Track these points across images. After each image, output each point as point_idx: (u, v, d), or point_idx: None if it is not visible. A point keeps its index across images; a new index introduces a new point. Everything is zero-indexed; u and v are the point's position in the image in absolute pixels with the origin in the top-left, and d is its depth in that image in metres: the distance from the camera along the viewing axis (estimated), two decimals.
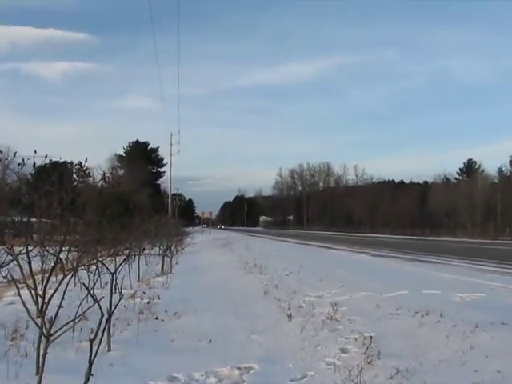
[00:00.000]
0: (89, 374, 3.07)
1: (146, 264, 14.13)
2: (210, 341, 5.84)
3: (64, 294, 3.64)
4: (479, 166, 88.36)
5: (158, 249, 15.62)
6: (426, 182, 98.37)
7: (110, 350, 5.19)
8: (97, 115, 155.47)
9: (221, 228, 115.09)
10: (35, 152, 3.81)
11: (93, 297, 3.96)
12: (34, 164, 3.74)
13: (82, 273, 8.12)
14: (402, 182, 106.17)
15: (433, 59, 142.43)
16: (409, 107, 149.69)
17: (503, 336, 4.82)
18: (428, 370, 4.25)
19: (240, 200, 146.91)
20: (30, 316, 3.34)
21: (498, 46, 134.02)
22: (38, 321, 3.17)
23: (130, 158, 73.07)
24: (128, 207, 18.43)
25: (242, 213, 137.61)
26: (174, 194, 61.23)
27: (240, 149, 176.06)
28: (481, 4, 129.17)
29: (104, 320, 3.79)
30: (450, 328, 5.31)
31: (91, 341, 3.22)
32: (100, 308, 4.00)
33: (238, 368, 4.75)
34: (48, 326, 3.16)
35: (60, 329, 3.26)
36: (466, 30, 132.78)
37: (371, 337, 5.14)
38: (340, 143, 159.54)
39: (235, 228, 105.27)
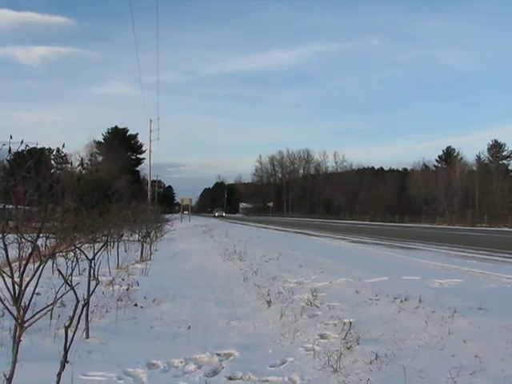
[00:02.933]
0: (64, 361, 3.02)
1: (126, 251, 14.06)
2: (189, 327, 5.82)
3: (38, 280, 3.56)
4: (458, 153, 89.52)
5: (137, 235, 15.54)
6: (405, 170, 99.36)
7: (88, 337, 5.13)
8: (76, 101, 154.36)
9: (221, 216, 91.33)
10: (11, 137, 3.71)
11: (68, 283, 3.91)
12: (10, 150, 3.65)
13: (61, 260, 8.05)
14: (381, 169, 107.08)
15: (415, 48, 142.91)
16: (390, 95, 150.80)
17: (481, 321, 4.86)
18: (407, 355, 4.28)
19: (220, 187, 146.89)
20: (3, 303, 3.27)
21: (479, 35, 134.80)
22: (14, 309, 3.11)
23: (108, 145, 72.52)
24: (107, 194, 18.29)
25: (221, 200, 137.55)
26: (153, 181, 60.86)
27: (220, 135, 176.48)
28: None
29: (80, 306, 3.74)
30: (429, 313, 5.35)
31: (66, 328, 3.17)
32: (75, 294, 3.95)
33: (218, 354, 4.73)
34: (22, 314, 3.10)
35: (34, 315, 3.19)
36: (449, 19, 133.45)
37: (350, 322, 5.15)
38: (320, 130, 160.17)
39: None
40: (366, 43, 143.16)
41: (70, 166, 67.30)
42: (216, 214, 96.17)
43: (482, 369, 3.80)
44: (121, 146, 71.98)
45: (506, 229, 38.02)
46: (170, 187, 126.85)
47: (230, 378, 4.18)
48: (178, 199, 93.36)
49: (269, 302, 6.71)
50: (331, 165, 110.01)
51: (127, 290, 7.71)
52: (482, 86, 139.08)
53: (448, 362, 4.00)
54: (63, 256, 7.85)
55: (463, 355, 4.09)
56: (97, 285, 5.19)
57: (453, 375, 3.72)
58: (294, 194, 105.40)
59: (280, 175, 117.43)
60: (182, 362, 4.53)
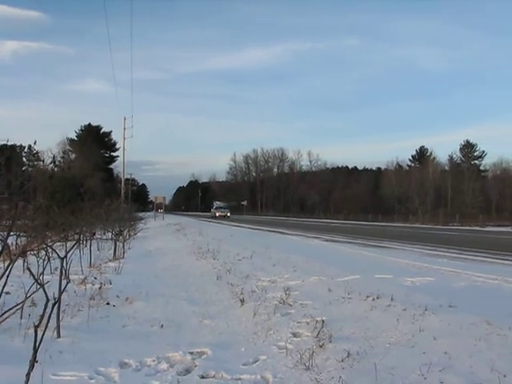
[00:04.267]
0: (34, 361, 2.99)
1: (98, 249, 13.92)
2: (162, 326, 5.80)
3: (7, 279, 3.52)
4: (431, 153, 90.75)
5: (110, 234, 15.42)
6: (379, 169, 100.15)
7: (59, 336, 5.07)
8: (48, 97, 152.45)
9: (224, 216, 66.92)
10: None
11: (37, 282, 3.87)
12: None
13: (33, 259, 7.96)
14: (355, 169, 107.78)
15: (391, 48, 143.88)
16: (366, 95, 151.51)
17: (451, 318, 4.93)
18: (378, 352, 4.32)
19: (194, 185, 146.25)
20: None
21: (454, 36, 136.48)
22: None
23: (82, 142, 71.75)
24: (79, 192, 18.13)
25: (196, 198, 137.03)
26: (127, 179, 60.35)
27: (195, 134, 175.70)
28: None
29: (50, 305, 3.71)
30: (401, 311, 5.41)
31: (36, 327, 3.14)
32: (45, 293, 3.91)
33: (191, 353, 4.72)
34: None
35: (3, 315, 3.16)
36: (423, 20, 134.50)
37: (323, 321, 5.19)
38: (295, 129, 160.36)
39: (189, 213, 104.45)
40: (342, 42, 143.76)
41: (41, 163, 66.50)
42: (217, 214, 68.60)
43: (451, 365, 3.85)
44: (94, 143, 71.23)
45: (477, 228, 38.58)
46: (143, 185, 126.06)
47: (203, 377, 4.18)
48: (151, 197, 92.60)
49: (242, 301, 6.71)
50: (305, 164, 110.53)
51: (100, 288, 7.64)
52: (456, 87, 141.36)
53: (418, 358, 4.05)
54: (34, 254, 7.76)
55: (433, 352, 4.14)
56: (67, 283, 5.14)
57: (423, 372, 3.77)
58: (268, 193, 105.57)
59: (254, 174, 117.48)
60: (154, 361, 4.51)
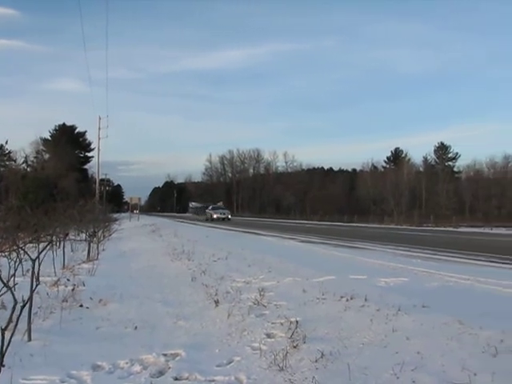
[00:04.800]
0: (0, 365, 2.94)
1: (72, 250, 13.79)
2: (135, 328, 5.76)
3: None
4: (406, 154, 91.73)
5: (84, 235, 15.27)
6: (354, 170, 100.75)
7: (30, 339, 5.00)
8: (22, 96, 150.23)
9: (223, 219, 53.79)
10: None
11: (5, 284, 3.81)
12: None
13: (4, 260, 7.84)
14: (331, 170, 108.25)
15: (369, 49, 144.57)
16: (343, 96, 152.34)
17: (424, 318, 4.98)
18: (352, 352, 4.34)
19: (169, 186, 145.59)
20: None
21: (429, 38, 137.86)
22: None
23: (56, 142, 71.03)
24: (53, 192, 17.94)
25: (171, 199, 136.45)
26: (101, 179, 59.85)
27: (171, 134, 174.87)
28: None
29: (19, 308, 3.65)
30: (374, 312, 5.45)
31: (3, 330, 3.09)
32: (13, 295, 3.85)
33: (164, 355, 4.70)
34: None
35: None
36: (402, 22, 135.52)
37: (297, 321, 5.20)
38: (271, 130, 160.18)
39: (165, 214, 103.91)
40: (321, 43, 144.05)
41: (14, 163, 65.70)
42: (215, 216, 55.20)
43: (424, 364, 3.89)
44: (68, 143, 70.57)
45: (451, 228, 39.01)
46: (119, 186, 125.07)
47: (176, 379, 4.16)
48: (127, 198, 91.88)
49: (216, 302, 6.70)
50: (281, 164, 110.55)
51: (73, 290, 7.56)
52: (432, 89, 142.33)
53: (391, 358, 4.08)
54: (5, 256, 7.64)
55: (406, 352, 4.18)
56: (37, 285, 5.07)
57: (395, 371, 3.80)
58: (244, 194, 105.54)
59: (230, 174, 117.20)
60: (127, 363, 4.48)
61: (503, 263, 11.05)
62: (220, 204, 70.26)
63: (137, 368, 4.39)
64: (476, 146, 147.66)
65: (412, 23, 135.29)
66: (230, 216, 57.46)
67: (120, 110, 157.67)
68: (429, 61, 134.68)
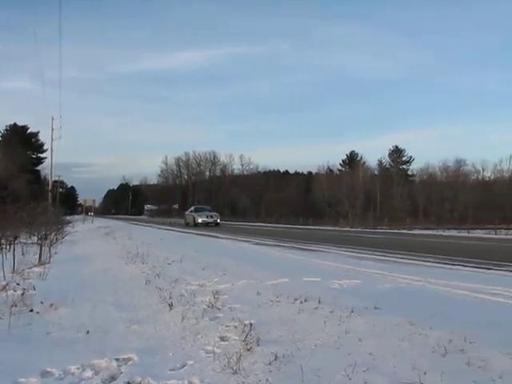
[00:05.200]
0: None
1: (23, 254, 13.47)
2: (87, 332, 5.67)
3: None
4: (361, 158, 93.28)
5: (36, 238, 14.97)
6: (310, 173, 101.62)
7: None
8: None
9: (211, 223, 42.70)
10: None
11: None
12: None
13: None
14: (287, 172, 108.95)
15: (325, 53, 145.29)
16: (298, 99, 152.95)
17: (376, 320, 5.04)
18: (305, 354, 4.37)
19: (124, 188, 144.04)
20: None
21: (384, 42, 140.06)
22: None
23: (6, 143, 69.35)
24: (2, 194, 17.51)
25: (126, 201, 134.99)
26: (55, 181, 58.84)
27: (126, 135, 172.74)
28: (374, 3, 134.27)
29: None
30: (328, 314, 5.48)
31: None
32: None
33: (117, 359, 4.64)
34: None
35: None
36: (355, 25, 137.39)
37: (251, 324, 5.20)
38: (227, 132, 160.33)
39: (119, 216, 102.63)
40: (276, 46, 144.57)
41: None
42: (199, 220, 43.22)
43: (375, 365, 3.94)
44: (20, 144, 68.97)
45: (404, 231, 39.77)
46: (73, 188, 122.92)
47: (129, 383, 4.11)
48: (81, 200, 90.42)
49: (170, 305, 6.64)
50: (237, 167, 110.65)
51: (22, 294, 7.38)
52: (386, 93, 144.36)
53: (344, 360, 4.12)
54: None
55: (358, 353, 4.22)
56: None
57: (348, 373, 3.84)
58: (200, 196, 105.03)
59: (186, 177, 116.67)
60: (78, 369, 4.41)
61: (453, 265, 11.30)
62: (203, 206, 53.01)
63: (88, 373, 4.32)
64: (429, 150, 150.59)
65: (368, 28, 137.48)
66: (219, 220, 44.20)
67: (74, 110, 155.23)
68: (382, 65, 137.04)
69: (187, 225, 44.61)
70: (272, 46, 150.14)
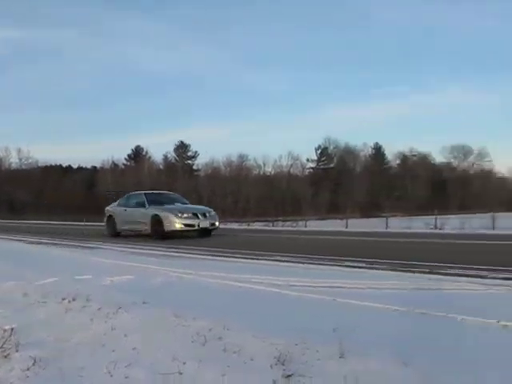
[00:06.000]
0: None
1: None
2: None
3: None
4: (147, 152, 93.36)
5: None
6: (94, 168, 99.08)
7: None
8: None
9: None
10: None
11: None
12: None
13: None
14: (69, 167, 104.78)
15: (111, 45, 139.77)
16: (84, 92, 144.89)
17: (143, 314, 5.12)
18: (67, 354, 4.27)
19: None
20: None
21: (172, 37, 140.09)
22: None
23: None
24: None
25: None
26: None
27: None
28: None
29: None
30: (95, 311, 5.43)
31: None
32: None
33: None
34: None
35: None
36: (144, 19, 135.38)
37: (12, 329, 4.93)
38: (2, 124, 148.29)
39: None
40: (60, 34, 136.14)
41: None
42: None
43: (138, 360, 3.99)
44: None
45: None
46: None
47: None
48: None
49: None
50: (15, 161, 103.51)
51: None
52: (174, 89, 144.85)
53: (107, 357, 4.10)
54: None
55: (122, 349, 4.24)
56: None
57: (109, 369, 3.83)
58: None
59: None
60: None
61: (227, 257, 11.68)
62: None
63: None
64: (215, 146, 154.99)
65: (156, 22, 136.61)
66: (217, 223, 23.24)
67: None
68: (170, 61, 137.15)
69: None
70: (56, 33, 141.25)
